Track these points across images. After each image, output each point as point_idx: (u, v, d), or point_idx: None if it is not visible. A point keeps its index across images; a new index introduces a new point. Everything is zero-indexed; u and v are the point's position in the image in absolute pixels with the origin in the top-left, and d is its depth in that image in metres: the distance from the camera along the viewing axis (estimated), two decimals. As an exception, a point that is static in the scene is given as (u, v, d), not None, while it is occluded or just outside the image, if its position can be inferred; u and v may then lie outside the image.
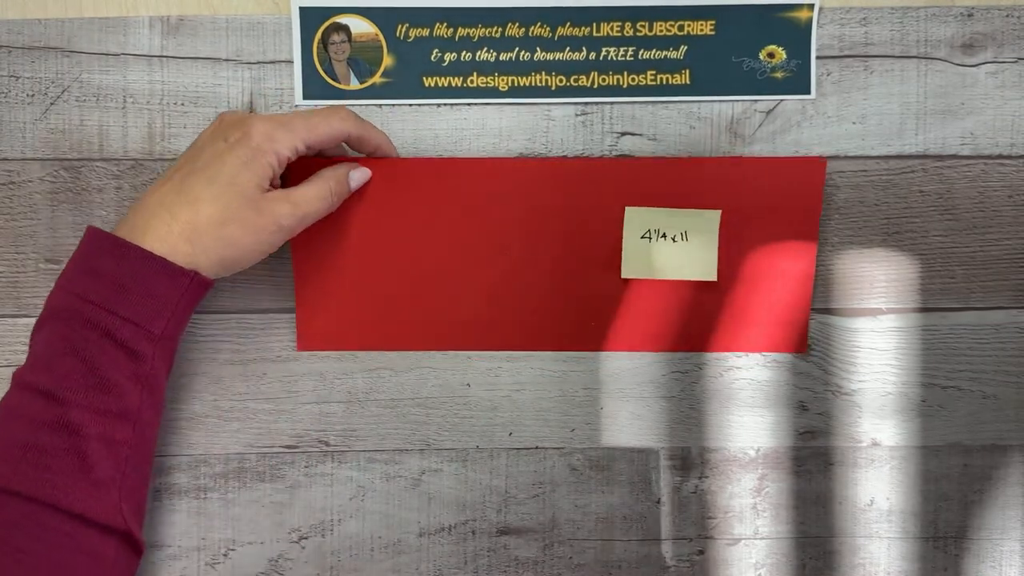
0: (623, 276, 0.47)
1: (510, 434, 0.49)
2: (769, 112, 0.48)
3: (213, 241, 0.40)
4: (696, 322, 0.48)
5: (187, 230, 0.40)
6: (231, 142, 0.41)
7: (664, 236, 0.46)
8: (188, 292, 0.41)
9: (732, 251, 0.47)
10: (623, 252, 0.47)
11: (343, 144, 0.45)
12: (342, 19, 0.48)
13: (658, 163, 0.47)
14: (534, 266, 0.47)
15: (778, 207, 0.47)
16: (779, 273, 0.48)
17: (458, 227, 0.47)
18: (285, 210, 0.41)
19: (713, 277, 0.47)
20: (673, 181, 0.47)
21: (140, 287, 0.39)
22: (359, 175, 0.46)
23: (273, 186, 0.42)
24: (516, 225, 0.47)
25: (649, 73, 0.48)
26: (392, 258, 0.47)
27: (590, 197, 0.47)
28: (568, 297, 0.48)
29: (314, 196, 0.43)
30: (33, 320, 0.48)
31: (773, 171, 0.47)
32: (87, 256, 0.40)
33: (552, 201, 0.47)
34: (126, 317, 0.39)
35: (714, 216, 0.46)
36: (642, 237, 0.46)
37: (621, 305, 0.48)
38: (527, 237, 0.47)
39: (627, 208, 0.47)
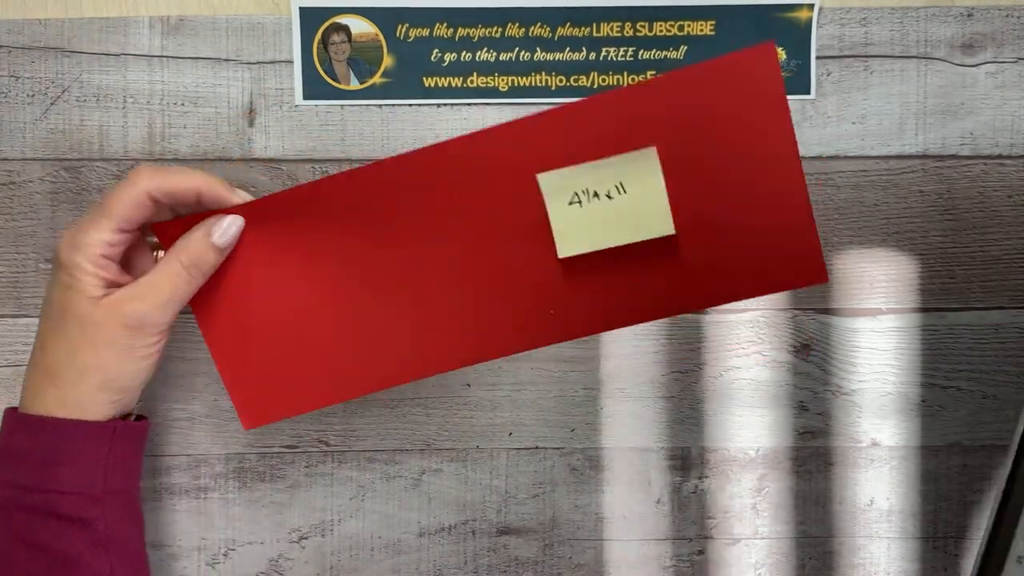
0: (560, 256, 0.39)
1: (510, 434, 0.49)
2: (769, 112, 0.48)
3: (78, 374, 0.38)
4: (663, 282, 0.39)
5: (56, 373, 0.38)
6: (51, 275, 0.39)
7: (596, 195, 0.38)
8: (116, 442, 0.39)
9: (691, 191, 0.38)
10: (553, 227, 0.38)
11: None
12: (342, 19, 0.48)
13: (565, 112, 0.38)
14: (462, 270, 0.40)
15: (734, 119, 0.37)
16: (762, 199, 0.38)
17: (361, 250, 0.40)
18: (131, 308, 0.38)
19: (669, 229, 0.38)
20: (593, 128, 0.38)
21: (63, 455, 0.38)
22: (223, 227, 0.39)
23: (117, 285, 0.39)
24: (425, 231, 0.40)
25: (649, 73, 0.48)
26: (306, 304, 0.41)
27: (499, 176, 0.39)
28: (508, 296, 0.40)
29: (163, 279, 0.38)
30: (33, 320, 0.48)
31: (712, 78, 0.37)
32: (4, 441, 0.39)
33: (457, 192, 0.39)
34: (60, 490, 0.38)
35: (649, 154, 0.37)
36: (570, 203, 0.38)
37: (567, 289, 0.40)
38: (445, 241, 0.40)
39: (538, 176, 0.38)
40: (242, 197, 0.40)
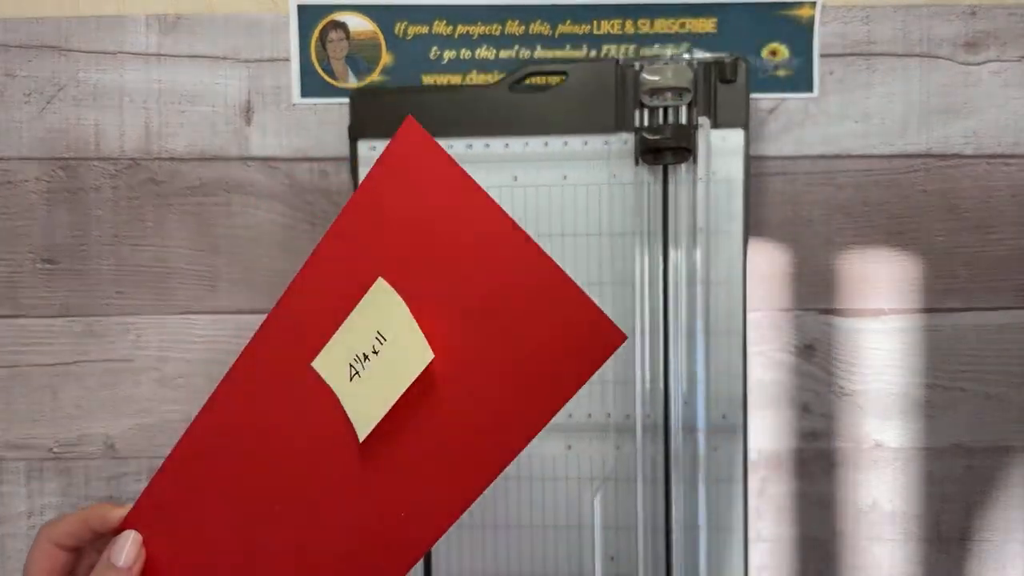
0: (361, 438, 0.34)
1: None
2: (772, 111, 0.48)
3: None
4: (471, 422, 0.34)
5: None
6: None
7: (366, 356, 0.34)
8: None
9: (443, 307, 0.34)
10: (347, 411, 0.35)
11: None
12: (340, 16, 0.47)
13: (296, 289, 0.36)
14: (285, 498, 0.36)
15: (431, 209, 0.34)
16: (515, 285, 0.34)
17: (239, 499, 0.37)
18: None
19: (428, 354, 0.33)
20: (324, 293, 0.35)
21: None
22: (119, 547, 0.38)
23: None
24: (266, 473, 0.36)
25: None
26: (217, 557, 0.37)
27: (289, 387, 0.36)
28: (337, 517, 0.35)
29: None
30: (29, 320, 0.48)
31: (386, 176, 0.35)
32: None
33: (259, 422, 0.36)
34: None
35: (380, 287, 0.34)
36: (351, 378, 0.34)
37: (388, 472, 0.35)
38: (282, 473, 0.36)
39: (313, 364, 0.35)
40: (125, 508, 0.39)
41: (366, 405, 0.34)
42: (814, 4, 0.48)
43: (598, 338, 0.33)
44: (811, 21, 0.48)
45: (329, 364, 0.35)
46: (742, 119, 0.44)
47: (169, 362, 0.48)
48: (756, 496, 0.49)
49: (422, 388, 0.33)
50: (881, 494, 0.49)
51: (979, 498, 0.50)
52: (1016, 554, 0.50)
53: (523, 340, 0.34)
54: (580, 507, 0.46)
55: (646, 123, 0.44)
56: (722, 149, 0.44)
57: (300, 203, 0.48)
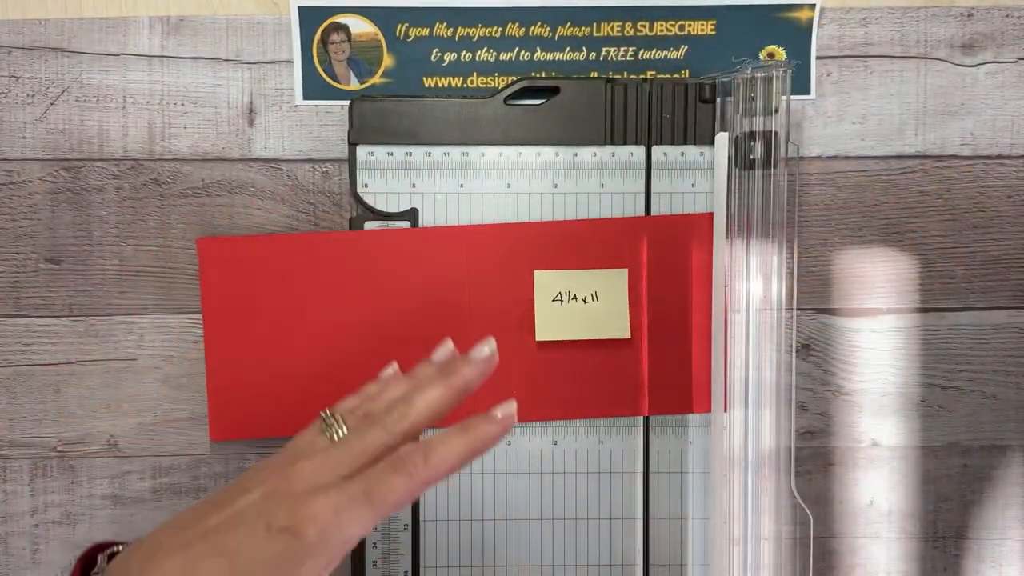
0: (537, 339, 0.47)
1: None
2: (769, 112, 0.48)
3: None
4: (611, 383, 0.47)
5: None
6: (274, 530, 0.30)
7: (575, 298, 0.46)
8: None
9: (640, 309, 0.47)
10: (536, 315, 0.46)
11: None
12: (341, 19, 0.48)
13: (564, 225, 0.47)
14: (447, 335, 0.44)
15: (677, 263, 0.47)
16: (683, 331, 0.47)
17: (367, 303, 0.47)
18: None
19: (626, 334, 0.47)
20: (580, 242, 0.47)
21: None
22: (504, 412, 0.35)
23: None
24: (425, 295, 0.47)
25: (649, 73, 0.48)
26: (303, 341, 0.46)
27: (500, 263, 0.47)
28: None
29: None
30: (33, 320, 0.48)
31: (669, 227, 0.47)
32: None
33: (461, 269, 0.47)
34: None
35: (621, 275, 0.47)
36: (554, 300, 0.46)
37: (537, 369, 0.47)
38: (438, 307, 0.47)
39: (536, 272, 0.46)
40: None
41: (551, 324, 0.47)
42: (813, 6, 0.48)
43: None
44: (810, 23, 0.48)
45: (545, 281, 0.47)
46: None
47: (172, 361, 0.48)
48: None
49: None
50: (878, 492, 0.50)
51: (976, 497, 0.50)
52: (1013, 552, 0.50)
53: (672, 355, 0.47)
54: (564, 499, 0.48)
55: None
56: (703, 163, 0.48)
57: (302, 204, 0.48)
